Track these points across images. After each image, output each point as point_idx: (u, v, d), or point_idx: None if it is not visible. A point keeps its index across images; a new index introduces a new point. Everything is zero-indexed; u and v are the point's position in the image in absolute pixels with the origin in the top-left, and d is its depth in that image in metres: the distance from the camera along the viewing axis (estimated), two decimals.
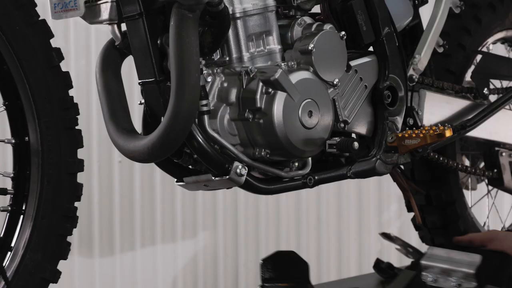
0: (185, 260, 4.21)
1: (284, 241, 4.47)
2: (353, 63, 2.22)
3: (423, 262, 2.28)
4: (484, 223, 2.83)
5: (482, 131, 2.57)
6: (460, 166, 2.58)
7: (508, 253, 2.32)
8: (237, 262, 4.30)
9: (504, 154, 2.74)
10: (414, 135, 2.20)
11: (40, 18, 1.89)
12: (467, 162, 2.87)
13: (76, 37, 3.29)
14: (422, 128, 2.32)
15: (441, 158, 2.46)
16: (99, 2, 2.06)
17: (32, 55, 1.87)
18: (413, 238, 3.02)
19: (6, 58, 1.84)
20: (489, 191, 2.86)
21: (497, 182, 2.76)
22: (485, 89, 2.50)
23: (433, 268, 2.30)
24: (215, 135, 2.05)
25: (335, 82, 2.14)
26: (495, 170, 2.73)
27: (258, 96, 2.04)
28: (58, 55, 1.93)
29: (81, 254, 3.59)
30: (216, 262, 4.27)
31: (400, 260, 3.39)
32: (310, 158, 2.14)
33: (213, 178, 2.06)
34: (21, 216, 1.90)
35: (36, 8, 1.90)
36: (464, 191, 2.81)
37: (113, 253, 3.87)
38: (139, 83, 2.11)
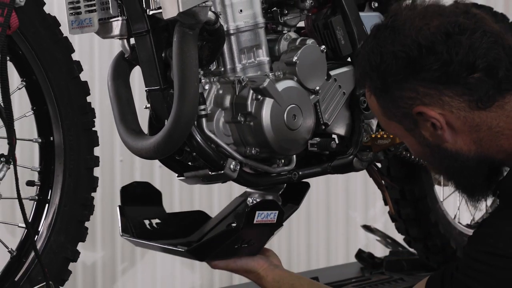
0: (183, 260, 4.33)
1: (276, 238, 4.62)
2: (332, 72, 2.44)
3: (247, 190, 2.47)
4: (455, 216, 3.03)
5: None
6: None
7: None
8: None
9: None
10: (385, 136, 2.42)
11: (63, 36, 2.16)
12: None
13: (80, 47, 3.44)
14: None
15: (412, 157, 2.65)
16: (111, 20, 2.26)
17: (56, 67, 2.13)
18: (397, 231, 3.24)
19: (35, 69, 2.10)
20: None
21: None
22: None
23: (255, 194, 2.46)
24: (212, 135, 2.26)
25: (316, 89, 2.36)
26: None
27: (249, 102, 2.26)
28: (78, 67, 2.20)
29: (84, 248, 3.82)
30: None
31: (383, 252, 3.61)
32: (294, 156, 2.35)
33: (210, 173, 2.26)
34: (47, 205, 2.16)
35: (60, 27, 2.16)
36: (437, 186, 2.99)
37: (114, 247, 4.01)
38: (145, 90, 2.31)
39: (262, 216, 2.19)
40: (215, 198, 4.01)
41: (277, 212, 2.19)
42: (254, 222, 2.17)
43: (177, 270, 4.33)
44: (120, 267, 4.16)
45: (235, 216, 2.37)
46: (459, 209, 3.04)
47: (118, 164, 3.93)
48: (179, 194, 4.24)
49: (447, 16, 1.76)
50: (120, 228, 2.26)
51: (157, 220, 2.38)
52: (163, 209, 2.39)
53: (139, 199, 2.36)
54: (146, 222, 2.33)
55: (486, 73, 1.76)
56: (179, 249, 2.22)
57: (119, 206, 2.32)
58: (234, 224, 2.22)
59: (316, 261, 4.51)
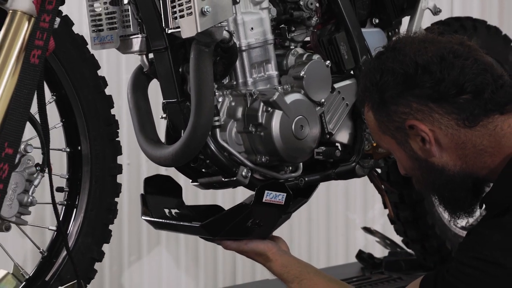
0: (188, 253, 4.48)
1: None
2: (336, 85, 2.57)
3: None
4: None
5: None
6: None
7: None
8: (234, 260, 4.51)
9: None
10: None
11: (90, 54, 2.32)
12: None
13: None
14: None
15: None
16: (131, 37, 2.42)
17: (84, 83, 2.30)
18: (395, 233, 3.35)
19: (64, 85, 2.27)
20: None
21: None
22: None
23: None
24: (225, 144, 2.39)
25: (321, 102, 2.49)
26: None
27: (259, 114, 2.40)
28: (103, 82, 2.36)
29: None
30: (215, 254, 4.50)
31: (382, 252, 3.70)
32: (301, 163, 2.48)
33: (223, 179, 2.40)
34: (75, 209, 2.32)
35: (88, 46, 2.33)
36: None
37: (121, 242, 4.16)
38: (163, 103, 2.44)
39: (271, 196, 2.30)
40: (219, 201, 4.10)
41: (285, 194, 2.32)
42: (263, 200, 2.29)
43: (182, 269, 4.47)
44: (127, 261, 4.27)
45: (246, 200, 2.48)
46: None
47: (125, 168, 3.96)
48: (184, 197, 4.45)
49: (443, 43, 1.95)
50: (141, 212, 2.39)
51: (176, 210, 2.49)
52: (183, 201, 2.52)
53: (160, 190, 2.47)
54: (166, 210, 2.45)
55: (474, 95, 1.92)
56: (194, 225, 2.33)
57: (142, 194, 2.43)
58: (245, 202, 2.35)
59: (317, 261, 4.60)
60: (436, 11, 2.86)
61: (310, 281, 2.23)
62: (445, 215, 2.35)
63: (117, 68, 3.88)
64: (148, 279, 4.38)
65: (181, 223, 2.39)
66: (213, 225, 2.31)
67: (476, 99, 1.93)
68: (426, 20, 2.88)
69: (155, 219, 2.41)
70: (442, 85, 1.92)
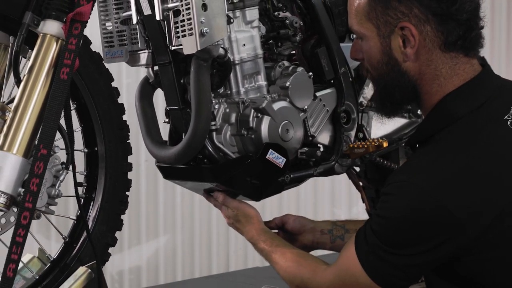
0: (184, 246, 4.77)
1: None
2: (318, 93, 2.78)
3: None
4: None
5: None
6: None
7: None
8: (228, 249, 4.81)
9: None
10: (361, 146, 2.82)
11: (105, 68, 2.60)
12: None
13: None
14: (367, 140, 2.87)
15: (384, 162, 3.01)
16: (139, 52, 2.63)
17: (100, 93, 2.57)
18: None
19: (84, 95, 2.55)
20: None
21: None
22: (419, 110, 2.94)
23: None
24: (220, 146, 2.61)
25: (305, 108, 2.71)
26: None
27: (250, 119, 2.61)
28: (117, 92, 2.64)
29: None
30: (210, 249, 4.80)
31: None
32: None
33: None
34: (92, 202, 2.61)
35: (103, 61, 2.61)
36: None
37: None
38: (166, 109, 2.67)
39: (273, 156, 2.54)
40: None
41: (285, 159, 2.56)
42: (266, 157, 2.53)
43: (179, 257, 4.74)
44: (127, 245, 4.58)
45: None
46: None
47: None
48: (183, 196, 4.74)
49: None
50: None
51: None
52: None
53: None
54: None
55: (466, 28, 2.06)
56: (203, 167, 2.55)
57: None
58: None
59: None
60: None
61: (279, 241, 2.42)
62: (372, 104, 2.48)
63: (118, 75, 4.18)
64: (146, 263, 4.65)
65: (190, 167, 2.58)
66: (219, 169, 2.53)
67: (464, 33, 2.06)
68: None
69: (166, 165, 2.63)
70: (451, 6, 2.03)
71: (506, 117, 2.05)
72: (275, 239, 2.47)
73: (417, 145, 2.20)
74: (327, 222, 2.64)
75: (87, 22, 2.33)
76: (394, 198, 2.06)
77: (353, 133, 2.90)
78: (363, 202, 3.23)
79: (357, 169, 3.20)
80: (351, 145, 2.86)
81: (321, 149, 2.83)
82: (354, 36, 2.93)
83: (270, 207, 4.85)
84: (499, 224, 1.96)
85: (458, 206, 1.95)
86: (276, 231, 2.67)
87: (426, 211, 1.99)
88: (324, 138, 2.85)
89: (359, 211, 4.79)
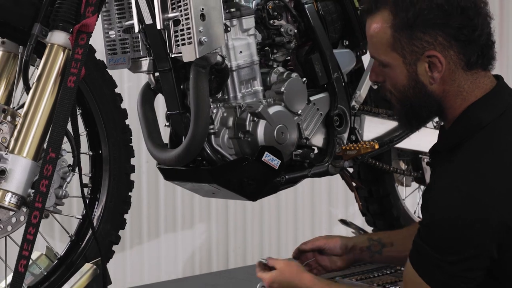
0: (184, 244, 4.81)
1: (267, 231, 5.02)
2: (312, 98, 2.89)
3: None
4: (415, 211, 3.52)
5: (409, 143, 3.20)
6: (391, 168, 3.25)
7: None
8: (227, 248, 4.86)
9: (425, 159, 3.36)
10: (353, 148, 2.93)
11: (109, 75, 2.69)
12: (403, 166, 3.51)
13: None
14: (359, 142, 2.97)
15: (377, 163, 3.14)
16: (141, 59, 2.73)
17: (104, 99, 2.66)
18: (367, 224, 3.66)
19: (88, 100, 2.65)
20: (419, 186, 3.55)
21: (421, 180, 3.44)
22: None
23: None
24: (218, 148, 2.70)
25: (299, 112, 2.81)
26: (420, 172, 3.40)
27: (247, 123, 2.71)
28: (120, 98, 2.73)
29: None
30: (210, 246, 4.85)
31: None
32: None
33: None
34: (96, 202, 2.70)
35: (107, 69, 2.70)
36: (401, 187, 3.51)
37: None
38: (167, 113, 2.76)
39: (269, 158, 2.65)
40: (212, 199, 4.11)
41: (280, 161, 2.67)
42: (262, 159, 2.62)
43: (179, 254, 4.79)
44: (129, 244, 4.62)
45: None
46: (418, 204, 3.47)
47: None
48: (181, 195, 4.77)
49: None
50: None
51: None
52: None
53: None
54: None
55: (484, 48, 2.16)
56: (202, 169, 2.62)
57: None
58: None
59: None
60: None
61: (337, 286, 2.47)
62: (403, 128, 2.66)
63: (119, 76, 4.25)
64: (148, 261, 4.68)
65: (190, 169, 2.66)
66: (217, 170, 2.62)
67: (483, 52, 2.16)
68: None
69: (166, 167, 2.71)
70: (473, 32, 2.11)
71: None
72: (332, 285, 2.47)
73: (439, 153, 2.29)
74: (363, 238, 2.68)
75: (92, 33, 2.44)
76: (435, 207, 2.11)
77: (345, 135, 3.02)
78: (357, 202, 3.35)
79: (351, 170, 3.31)
80: (344, 147, 2.96)
81: (315, 151, 2.93)
82: (347, 43, 3.07)
83: (268, 206, 4.93)
84: None
85: (502, 207, 2.04)
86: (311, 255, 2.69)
87: (473, 216, 2.04)
88: (318, 140, 2.97)
89: (355, 211, 4.63)
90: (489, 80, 2.23)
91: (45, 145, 2.42)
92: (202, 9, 2.57)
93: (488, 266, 2.10)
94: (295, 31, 2.94)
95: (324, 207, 5.06)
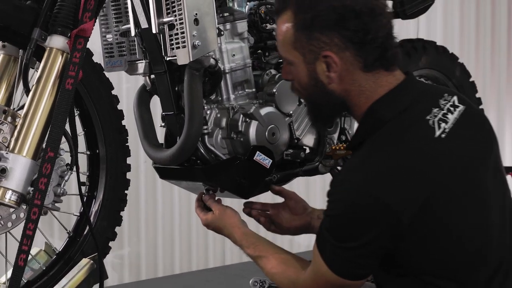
0: (181, 241, 4.89)
1: (263, 228, 4.73)
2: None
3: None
4: None
5: None
6: None
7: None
8: (224, 244, 4.95)
9: None
10: (342, 148, 2.99)
11: (106, 78, 2.76)
12: None
13: None
14: (349, 142, 2.78)
15: None
16: (137, 62, 2.79)
17: (101, 100, 2.73)
18: None
19: (86, 102, 2.72)
20: None
21: None
22: None
23: None
24: (212, 148, 2.76)
25: (290, 113, 2.87)
26: None
27: (240, 123, 2.77)
28: (116, 100, 2.80)
29: None
30: (206, 243, 4.94)
31: None
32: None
33: None
34: (93, 199, 2.77)
35: (104, 72, 2.76)
36: None
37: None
38: (162, 114, 2.82)
39: (260, 157, 2.72)
40: None
41: (271, 160, 2.74)
42: (254, 158, 2.69)
43: (176, 251, 4.86)
44: (127, 240, 4.71)
45: None
46: None
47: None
48: (179, 194, 4.89)
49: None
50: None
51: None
52: None
53: None
54: None
55: (382, 50, 2.24)
56: (196, 168, 2.68)
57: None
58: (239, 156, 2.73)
59: (298, 247, 4.99)
60: None
61: (263, 246, 2.57)
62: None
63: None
64: (145, 257, 4.76)
65: (184, 168, 2.72)
66: (210, 169, 2.68)
67: (381, 54, 2.25)
68: None
69: (162, 166, 2.78)
70: (366, 35, 2.21)
71: (427, 117, 2.28)
72: (258, 243, 2.61)
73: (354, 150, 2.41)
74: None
75: (89, 37, 2.53)
76: (334, 197, 2.26)
77: (336, 136, 3.10)
78: None
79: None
80: (334, 147, 3.03)
81: (306, 151, 3.00)
82: None
83: None
84: (425, 211, 2.19)
85: (390, 197, 2.16)
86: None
87: (362, 205, 2.17)
88: (308, 140, 3.03)
89: None
90: (394, 78, 2.33)
91: (44, 145, 2.49)
92: (196, 14, 2.63)
93: (386, 254, 2.22)
94: None
95: (319, 204, 4.89)
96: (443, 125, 2.29)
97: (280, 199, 2.89)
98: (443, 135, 2.27)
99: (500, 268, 2.29)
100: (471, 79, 3.86)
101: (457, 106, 2.35)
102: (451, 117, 2.31)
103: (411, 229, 2.19)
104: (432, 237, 2.21)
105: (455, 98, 2.37)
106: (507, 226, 2.33)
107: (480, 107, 3.88)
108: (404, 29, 5.37)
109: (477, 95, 3.90)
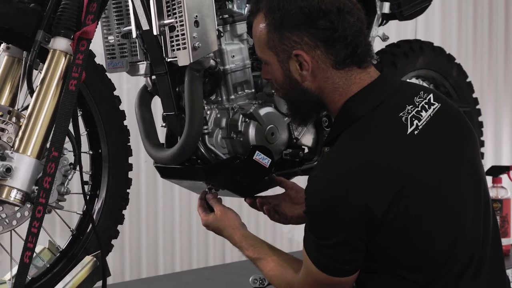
0: (182, 240, 4.94)
1: (262, 226, 5.13)
2: None
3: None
4: None
5: None
6: None
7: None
8: (223, 242, 4.94)
9: None
10: None
11: (108, 79, 2.80)
12: None
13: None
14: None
15: None
16: (138, 63, 2.84)
17: (103, 101, 2.77)
18: None
19: (89, 102, 2.76)
20: None
21: None
22: None
23: None
24: (212, 148, 2.79)
25: (289, 113, 2.71)
26: None
27: (239, 123, 2.80)
28: (118, 100, 2.84)
29: None
30: (207, 241, 5.00)
31: None
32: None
33: None
34: (96, 198, 2.81)
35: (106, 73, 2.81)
36: None
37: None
38: (163, 114, 2.86)
39: (260, 157, 2.76)
40: None
41: (270, 160, 2.78)
42: (253, 158, 2.73)
43: (177, 249, 4.91)
44: (128, 239, 4.72)
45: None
46: None
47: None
48: (179, 194, 4.93)
49: None
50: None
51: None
52: None
53: None
54: None
55: (352, 47, 2.30)
56: (196, 167, 2.72)
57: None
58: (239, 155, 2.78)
59: (298, 245, 5.02)
60: (384, 38, 3.30)
61: (262, 249, 2.62)
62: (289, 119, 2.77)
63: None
64: (146, 255, 4.80)
65: (185, 167, 2.76)
66: (211, 169, 2.73)
67: (351, 51, 2.32)
68: (377, 45, 3.31)
69: (163, 166, 2.82)
70: (334, 33, 2.28)
71: (401, 113, 2.33)
72: (257, 245, 2.64)
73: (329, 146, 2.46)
74: None
75: (91, 39, 2.58)
76: (308, 193, 2.30)
77: None
78: None
79: None
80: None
81: (305, 151, 3.03)
82: None
83: None
84: (397, 206, 2.23)
85: (362, 192, 2.21)
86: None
87: (336, 198, 2.22)
88: (307, 140, 3.06)
89: None
90: (367, 75, 2.38)
91: (48, 145, 2.53)
92: (196, 16, 2.67)
93: (365, 248, 2.26)
94: None
95: None
96: (416, 122, 2.33)
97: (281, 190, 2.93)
98: (415, 132, 2.31)
99: (472, 262, 2.32)
100: (468, 80, 3.88)
101: (433, 104, 2.38)
102: (425, 114, 2.35)
103: (384, 223, 2.23)
104: (405, 231, 2.25)
105: (431, 95, 2.41)
106: (481, 221, 2.36)
107: (477, 107, 3.93)
108: (402, 30, 5.44)
109: (475, 95, 3.92)
